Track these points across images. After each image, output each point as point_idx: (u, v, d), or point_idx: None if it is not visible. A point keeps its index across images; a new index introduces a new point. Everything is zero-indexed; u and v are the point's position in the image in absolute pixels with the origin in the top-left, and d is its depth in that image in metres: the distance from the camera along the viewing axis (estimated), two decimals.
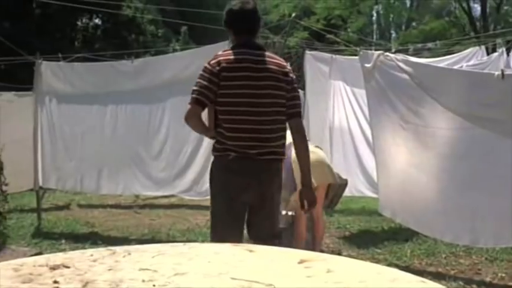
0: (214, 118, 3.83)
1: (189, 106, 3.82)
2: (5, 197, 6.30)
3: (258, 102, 3.77)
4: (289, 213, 6.07)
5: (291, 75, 3.90)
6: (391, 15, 29.49)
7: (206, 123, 3.94)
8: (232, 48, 3.91)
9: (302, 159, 4.03)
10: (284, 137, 3.93)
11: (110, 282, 2.04)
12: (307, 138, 5.92)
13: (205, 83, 3.78)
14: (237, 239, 3.74)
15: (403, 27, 30.99)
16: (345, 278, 2.07)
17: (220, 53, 3.90)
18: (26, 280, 2.09)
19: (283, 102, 3.83)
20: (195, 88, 3.84)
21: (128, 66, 8.45)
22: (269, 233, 3.90)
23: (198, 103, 3.79)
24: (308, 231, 6.05)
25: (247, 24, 3.93)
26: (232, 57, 3.81)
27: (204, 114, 3.92)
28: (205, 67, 3.83)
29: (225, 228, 3.84)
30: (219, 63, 3.76)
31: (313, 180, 5.76)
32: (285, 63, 3.97)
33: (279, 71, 3.84)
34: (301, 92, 11.02)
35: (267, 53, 3.92)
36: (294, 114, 3.88)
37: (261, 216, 3.93)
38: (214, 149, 3.89)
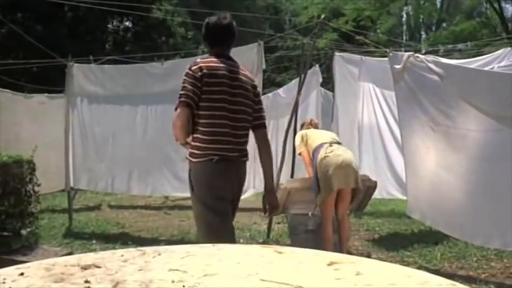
0: (193, 123, 4.04)
1: (178, 110, 4.04)
2: (37, 198, 6.37)
3: (232, 108, 3.99)
4: (318, 215, 6.07)
5: (258, 88, 4.32)
6: (421, 16, 29.17)
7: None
8: (210, 57, 4.10)
9: (265, 166, 4.34)
10: (245, 143, 4.20)
11: (140, 283, 2.07)
12: (338, 140, 5.94)
13: (190, 87, 3.93)
14: (232, 237, 4.22)
15: (433, 28, 30.69)
16: (375, 281, 2.07)
17: (199, 60, 4.08)
18: (57, 280, 2.12)
19: (250, 112, 4.13)
20: (182, 92, 4.00)
21: (158, 68, 8.52)
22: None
23: (187, 106, 3.97)
24: (335, 233, 6.04)
25: (221, 37, 4.16)
26: (212, 64, 4.00)
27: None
28: (188, 72, 3.98)
29: (219, 227, 4.09)
30: (201, 69, 3.93)
31: (335, 183, 5.77)
32: (252, 77, 4.28)
33: (248, 83, 4.13)
34: (329, 93, 11.06)
35: (239, 65, 4.18)
36: (260, 125, 4.22)
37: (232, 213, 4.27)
38: (195, 156, 4.02)
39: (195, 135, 4.03)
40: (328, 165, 5.76)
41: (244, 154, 4.16)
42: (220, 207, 4.09)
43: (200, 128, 3.98)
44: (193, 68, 3.96)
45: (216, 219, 4.11)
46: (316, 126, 6.75)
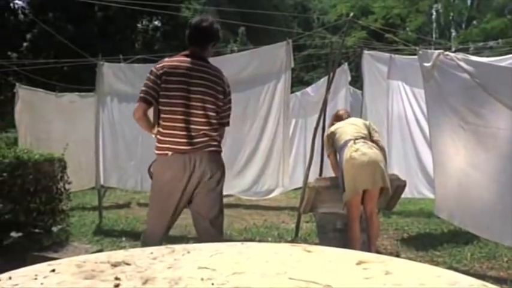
0: (158, 118, 4.36)
1: (136, 104, 4.34)
2: (68, 195, 6.45)
3: (191, 105, 4.26)
4: (346, 213, 6.05)
5: (228, 89, 4.50)
6: (451, 14, 28.87)
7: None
8: (179, 56, 4.43)
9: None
10: (217, 135, 4.48)
11: (170, 280, 2.09)
12: (364, 133, 5.89)
13: (150, 84, 4.28)
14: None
15: (464, 26, 30.32)
16: (404, 280, 2.06)
17: (166, 59, 4.43)
18: (88, 276, 2.15)
19: (214, 108, 4.35)
20: (142, 89, 4.33)
21: None
22: (207, 221, 4.55)
23: (144, 101, 4.29)
24: (363, 232, 6.01)
25: (197, 38, 4.46)
26: (173, 63, 4.33)
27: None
28: (152, 70, 4.35)
29: (155, 223, 4.54)
30: (162, 67, 4.29)
31: (360, 184, 5.74)
32: (223, 77, 4.51)
33: (216, 82, 4.40)
34: (358, 92, 11.01)
35: (209, 65, 4.47)
36: (224, 123, 4.51)
37: (199, 205, 4.50)
38: (156, 148, 4.45)
39: (158, 129, 4.38)
40: (354, 165, 5.70)
41: (209, 145, 4.35)
42: (162, 203, 4.46)
43: (161, 123, 4.31)
44: (157, 66, 4.34)
45: (155, 213, 4.57)
46: (341, 118, 6.57)
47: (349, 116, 6.63)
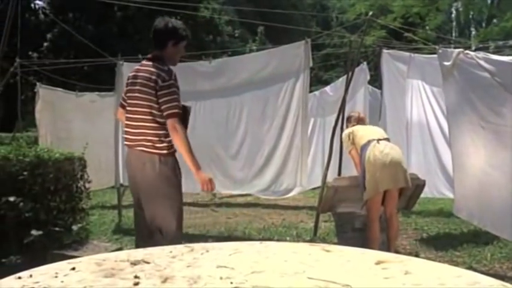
0: None
1: None
2: (88, 194, 6.49)
3: (130, 103, 4.55)
4: (365, 213, 6.04)
5: (160, 82, 4.37)
6: (471, 12, 28.64)
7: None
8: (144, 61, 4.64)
9: (180, 152, 4.58)
10: (155, 135, 4.44)
11: (189, 279, 2.10)
12: (386, 136, 5.87)
13: (124, 89, 4.72)
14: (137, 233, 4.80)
15: (484, 24, 30.08)
16: (424, 280, 2.06)
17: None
18: (108, 275, 2.17)
19: (149, 105, 4.40)
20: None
21: (206, 67, 8.59)
22: (147, 228, 4.51)
23: (120, 105, 4.82)
24: (383, 231, 5.99)
25: (154, 40, 4.62)
26: (134, 69, 4.64)
27: None
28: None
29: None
30: (129, 75, 4.66)
31: (382, 184, 5.72)
32: (153, 71, 4.42)
33: (149, 78, 4.41)
34: (377, 91, 10.97)
35: (149, 63, 4.51)
36: (168, 115, 4.37)
37: (144, 208, 4.54)
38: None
39: None
40: (376, 164, 5.70)
41: (140, 144, 4.45)
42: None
43: None
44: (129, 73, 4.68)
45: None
46: (363, 121, 6.64)
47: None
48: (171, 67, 4.62)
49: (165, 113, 4.36)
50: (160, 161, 4.44)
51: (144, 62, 4.58)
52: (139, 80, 4.47)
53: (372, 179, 5.72)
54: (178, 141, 4.44)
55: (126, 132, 4.56)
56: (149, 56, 4.59)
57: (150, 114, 4.40)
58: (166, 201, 4.52)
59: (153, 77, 4.37)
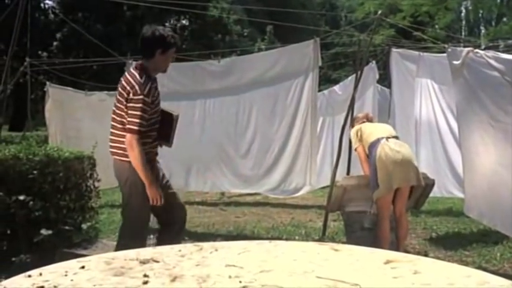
0: None
1: None
2: (97, 193, 6.50)
3: (112, 111, 4.61)
4: (374, 212, 6.02)
5: (131, 94, 4.37)
6: (481, 11, 28.54)
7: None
8: None
9: (134, 166, 4.46)
10: (115, 143, 4.58)
11: (197, 278, 2.11)
12: (395, 134, 5.86)
13: None
14: None
15: (493, 23, 29.97)
16: (433, 280, 2.06)
17: None
18: (117, 273, 2.18)
19: (120, 113, 4.47)
20: None
21: (215, 66, 8.61)
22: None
23: None
24: (392, 231, 5.98)
25: (141, 49, 4.66)
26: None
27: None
28: None
29: None
30: None
31: (394, 182, 5.70)
32: (129, 82, 4.43)
33: (124, 88, 4.44)
34: (386, 90, 10.95)
35: (132, 72, 4.51)
36: (127, 129, 4.40)
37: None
38: None
39: None
40: (388, 162, 5.68)
41: (113, 152, 4.59)
42: None
43: None
44: None
45: None
46: (371, 120, 6.63)
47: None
48: (160, 74, 4.68)
49: (126, 126, 4.39)
50: (129, 168, 4.46)
51: (131, 69, 4.58)
52: (118, 89, 4.52)
53: (384, 177, 5.69)
54: (133, 158, 4.40)
55: (109, 139, 4.66)
56: (137, 64, 4.61)
57: (122, 123, 4.45)
58: (125, 208, 4.74)
59: (127, 88, 4.38)
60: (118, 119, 4.47)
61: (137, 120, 4.33)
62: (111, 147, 4.58)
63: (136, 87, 4.34)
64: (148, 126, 4.46)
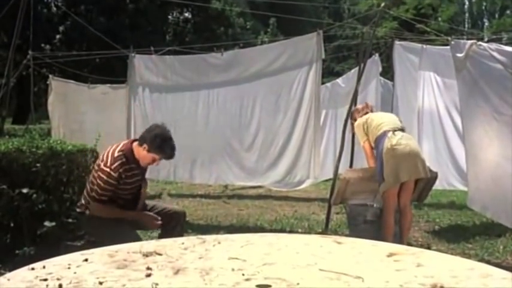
0: None
1: None
2: None
3: None
4: (377, 205, 6.02)
5: (97, 166, 4.64)
6: (484, 3, 28.46)
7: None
8: None
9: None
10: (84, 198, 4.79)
11: (200, 270, 2.11)
12: (401, 125, 5.84)
13: None
14: None
15: (497, 16, 29.88)
16: (436, 273, 2.06)
17: None
18: (120, 266, 2.19)
19: (90, 181, 4.72)
20: None
21: (218, 59, 8.60)
22: None
23: None
24: (396, 224, 5.98)
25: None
26: None
27: None
28: None
29: None
30: None
31: (403, 175, 5.70)
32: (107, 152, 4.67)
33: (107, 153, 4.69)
34: (389, 83, 10.94)
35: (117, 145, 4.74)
36: (91, 196, 4.65)
37: None
38: None
39: None
40: (396, 155, 5.66)
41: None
42: None
43: None
44: None
45: None
46: (372, 110, 6.58)
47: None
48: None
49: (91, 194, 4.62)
50: (87, 222, 4.81)
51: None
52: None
53: (391, 170, 5.68)
54: (101, 215, 4.58)
55: None
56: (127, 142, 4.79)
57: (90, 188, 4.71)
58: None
59: (101, 159, 4.63)
60: (92, 183, 4.64)
61: (100, 191, 4.53)
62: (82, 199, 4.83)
63: (109, 160, 4.54)
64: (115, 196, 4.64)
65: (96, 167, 4.62)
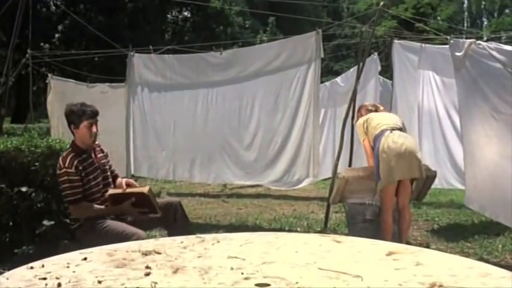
0: None
1: None
2: None
3: None
4: (376, 203, 6.03)
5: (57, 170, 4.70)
6: (483, 2, 28.48)
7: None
8: None
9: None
10: None
11: (200, 269, 2.11)
12: (400, 125, 5.86)
13: None
14: None
15: (496, 15, 29.90)
16: (435, 272, 2.06)
17: None
18: (119, 265, 2.19)
19: None
20: None
21: (217, 58, 8.61)
22: None
23: None
24: (394, 222, 5.98)
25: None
26: None
27: None
28: None
29: None
30: None
31: (397, 174, 5.71)
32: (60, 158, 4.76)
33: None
34: (388, 82, 10.94)
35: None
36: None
37: None
38: None
39: None
40: (391, 154, 5.67)
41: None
42: None
43: None
44: None
45: None
46: (376, 109, 6.59)
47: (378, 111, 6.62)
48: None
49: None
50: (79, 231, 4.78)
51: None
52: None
53: (386, 169, 5.69)
54: (85, 216, 4.63)
55: None
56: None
57: None
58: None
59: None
60: None
61: (69, 193, 4.58)
62: None
63: (61, 162, 4.61)
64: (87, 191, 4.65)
65: (57, 178, 4.67)
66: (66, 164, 4.53)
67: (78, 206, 4.57)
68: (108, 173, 4.90)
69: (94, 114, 4.76)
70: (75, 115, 4.67)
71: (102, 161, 4.86)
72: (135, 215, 4.68)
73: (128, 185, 4.91)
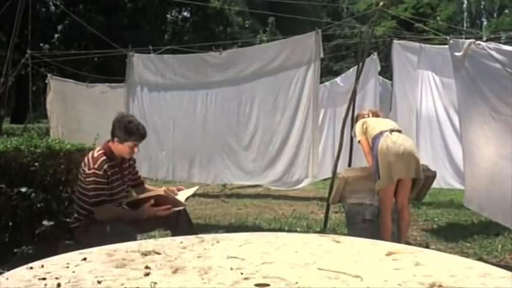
0: None
1: None
2: None
3: None
4: (375, 204, 6.03)
5: (83, 170, 4.70)
6: (483, 3, 28.50)
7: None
8: None
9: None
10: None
11: (199, 269, 2.12)
12: (399, 129, 5.89)
13: None
14: None
15: (495, 15, 29.91)
16: (435, 272, 2.06)
17: None
18: (119, 265, 2.19)
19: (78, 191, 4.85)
20: None
21: (216, 58, 8.60)
22: None
23: None
24: (393, 223, 5.99)
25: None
26: None
27: None
28: None
29: None
30: None
31: (395, 173, 5.72)
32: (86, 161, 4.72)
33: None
34: (388, 82, 10.94)
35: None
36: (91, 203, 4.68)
37: None
38: None
39: None
40: (389, 154, 5.70)
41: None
42: None
43: None
44: None
45: None
46: (377, 115, 6.64)
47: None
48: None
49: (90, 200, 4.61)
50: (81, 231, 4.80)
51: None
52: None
53: (385, 169, 5.71)
54: (108, 218, 4.59)
55: None
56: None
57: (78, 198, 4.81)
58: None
59: (84, 163, 4.68)
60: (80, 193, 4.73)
61: (95, 194, 4.55)
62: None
63: (91, 162, 4.60)
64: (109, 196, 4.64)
65: (81, 175, 4.64)
66: (96, 166, 4.52)
67: (102, 207, 4.55)
68: (126, 186, 4.90)
69: (142, 137, 4.81)
70: (124, 128, 4.68)
71: (125, 172, 4.86)
72: (159, 213, 4.68)
73: (179, 190, 5.04)
